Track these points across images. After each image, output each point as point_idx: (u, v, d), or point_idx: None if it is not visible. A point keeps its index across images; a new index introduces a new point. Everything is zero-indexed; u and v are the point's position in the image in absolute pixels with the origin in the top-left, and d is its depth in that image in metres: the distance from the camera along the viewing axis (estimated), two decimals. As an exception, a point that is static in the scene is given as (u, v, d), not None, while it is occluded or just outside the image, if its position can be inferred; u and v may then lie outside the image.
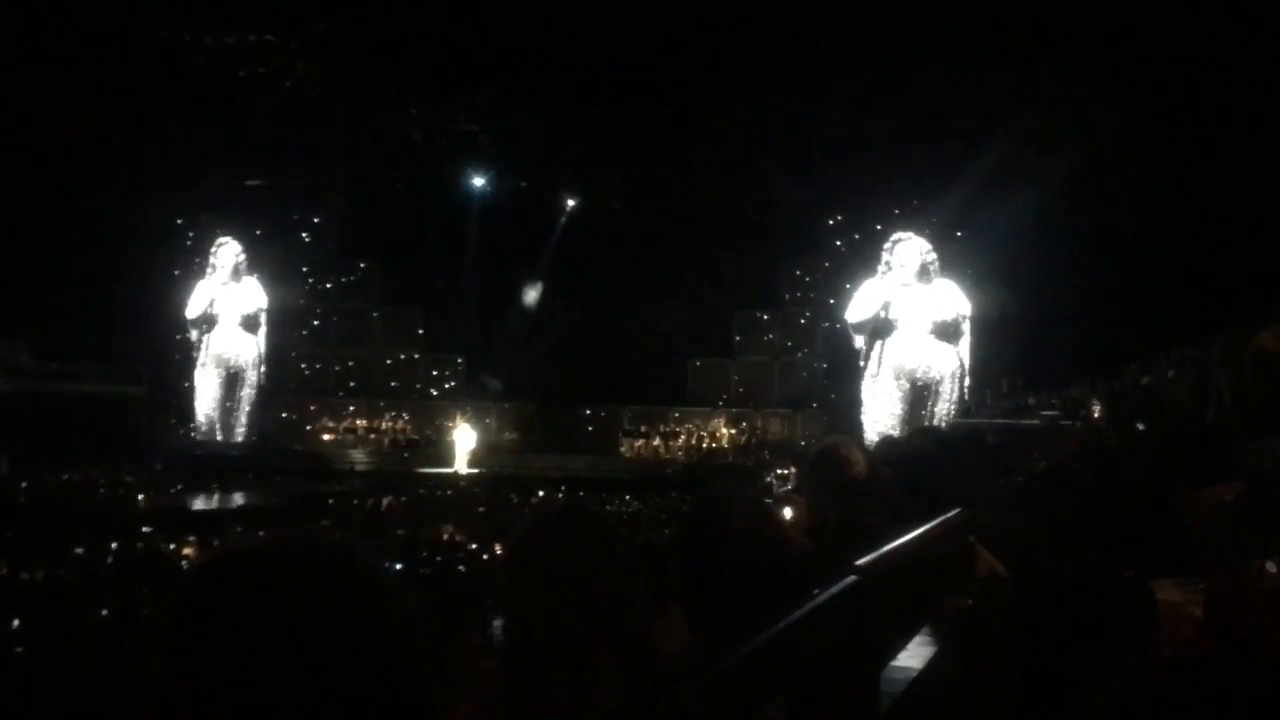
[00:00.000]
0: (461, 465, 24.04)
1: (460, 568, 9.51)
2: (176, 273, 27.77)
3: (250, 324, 27.48)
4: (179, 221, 27.47)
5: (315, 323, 28.51)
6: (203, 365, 27.43)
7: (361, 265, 28.65)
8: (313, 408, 27.88)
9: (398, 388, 28.59)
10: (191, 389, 27.51)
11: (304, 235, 28.27)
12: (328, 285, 28.60)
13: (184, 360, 27.64)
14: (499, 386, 26.97)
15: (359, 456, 26.03)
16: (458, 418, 25.64)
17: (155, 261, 27.11)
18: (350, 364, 28.64)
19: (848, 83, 21.63)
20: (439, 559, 10.03)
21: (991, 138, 20.58)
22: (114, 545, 11.26)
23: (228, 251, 27.41)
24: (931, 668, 2.21)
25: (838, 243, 25.58)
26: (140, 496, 18.43)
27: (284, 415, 27.76)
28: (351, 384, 28.53)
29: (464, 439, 24.84)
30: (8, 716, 5.65)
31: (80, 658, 6.47)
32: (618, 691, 1.77)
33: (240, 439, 27.09)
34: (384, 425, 27.51)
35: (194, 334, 27.54)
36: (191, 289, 27.56)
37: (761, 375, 27.35)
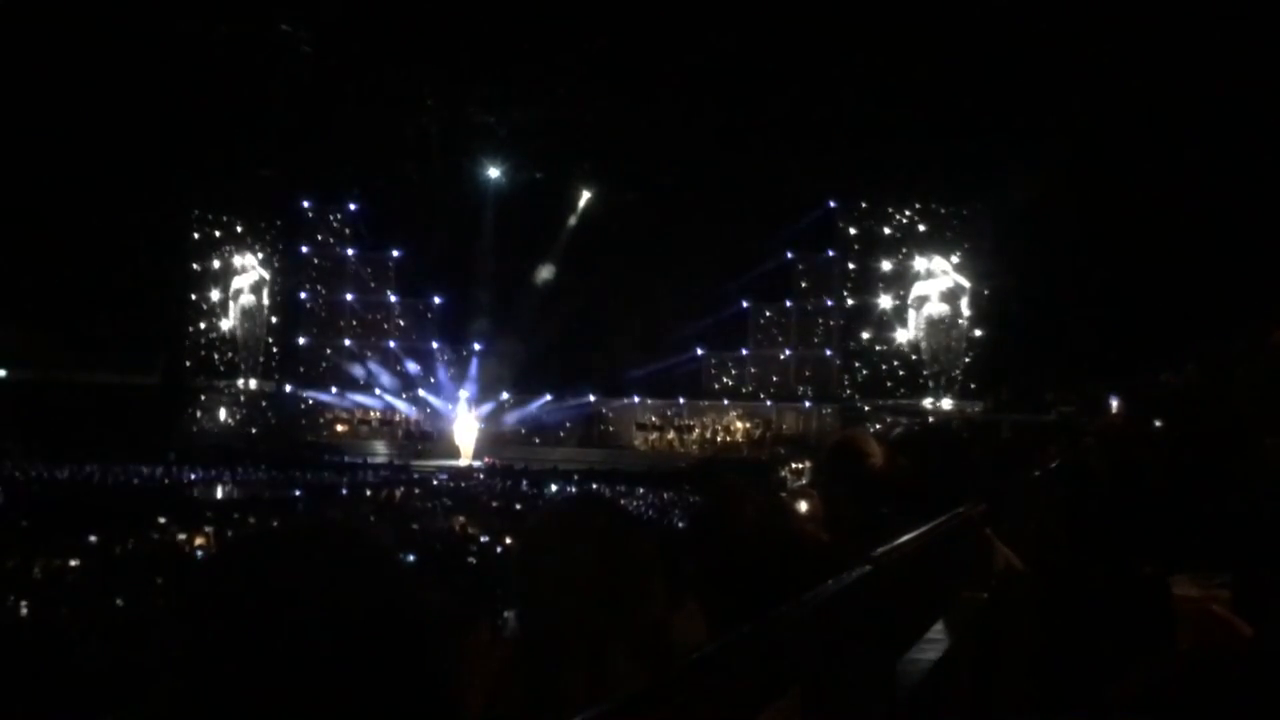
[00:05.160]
0: (469, 457, 24.09)
1: (471, 559, 9.52)
2: (195, 269, 27.95)
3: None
4: (196, 214, 27.62)
5: (326, 314, 28.56)
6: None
7: (376, 255, 28.71)
8: (327, 398, 27.93)
9: (412, 379, 28.61)
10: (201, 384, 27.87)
11: (320, 227, 28.37)
12: (343, 275, 28.65)
13: (193, 353, 27.95)
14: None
15: (372, 448, 26.09)
16: (470, 409, 25.68)
17: (168, 255, 27.21)
18: (366, 354, 28.68)
19: (861, 76, 21.53)
20: (452, 550, 10.05)
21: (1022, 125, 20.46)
22: (128, 534, 11.32)
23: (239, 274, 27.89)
24: (947, 660, 2.19)
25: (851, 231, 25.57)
26: (154, 486, 18.52)
27: (298, 406, 27.85)
28: (366, 375, 28.58)
29: (470, 430, 24.90)
30: (23, 703, 5.67)
31: (94, 646, 6.49)
32: (632, 683, 1.75)
33: (254, 430, 27.19)
34: (398, 417, 27.54)
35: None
36: (200, 284, 27.93)
37: (776, 369, 27.31)
